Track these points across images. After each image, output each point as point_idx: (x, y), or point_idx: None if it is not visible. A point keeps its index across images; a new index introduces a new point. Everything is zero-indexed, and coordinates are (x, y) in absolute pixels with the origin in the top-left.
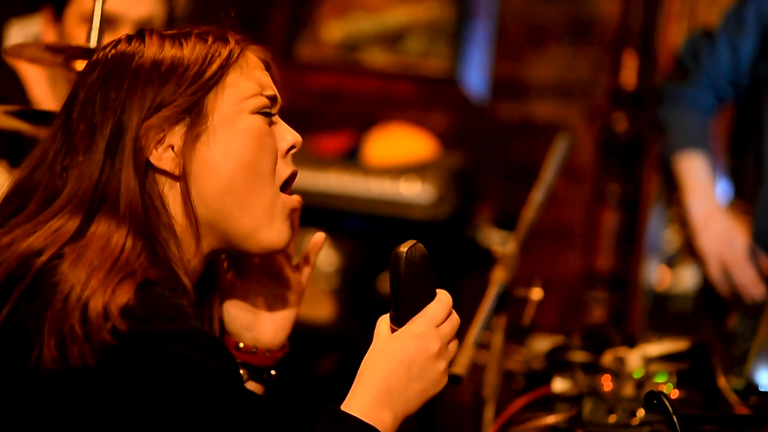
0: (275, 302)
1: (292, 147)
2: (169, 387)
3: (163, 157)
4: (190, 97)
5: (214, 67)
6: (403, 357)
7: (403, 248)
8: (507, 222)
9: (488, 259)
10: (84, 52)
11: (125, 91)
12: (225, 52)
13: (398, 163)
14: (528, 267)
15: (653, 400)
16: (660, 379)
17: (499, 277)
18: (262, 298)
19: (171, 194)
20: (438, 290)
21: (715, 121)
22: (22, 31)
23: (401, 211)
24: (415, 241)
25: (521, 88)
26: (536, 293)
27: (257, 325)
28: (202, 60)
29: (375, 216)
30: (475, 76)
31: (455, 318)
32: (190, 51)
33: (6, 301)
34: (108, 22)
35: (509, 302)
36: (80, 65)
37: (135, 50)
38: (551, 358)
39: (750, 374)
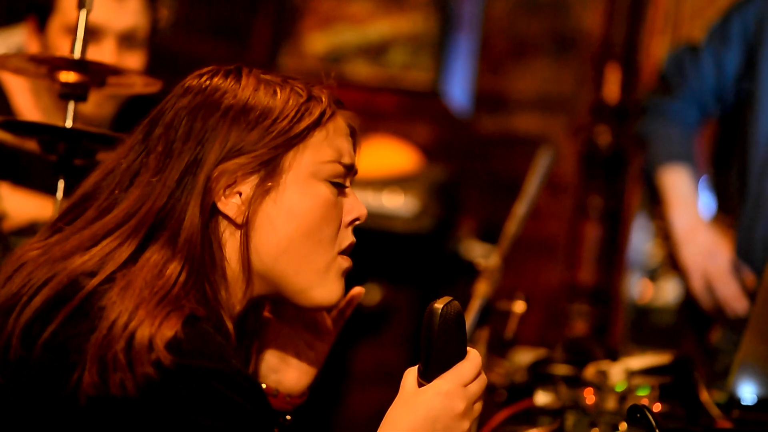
0: (304, 349)
1: (356, 220)
2: (203, 424)
3: (229, 203)
4: (271, 151)
5: (303, 125)
6: (428, 413)
7: (439, 304)
8: (489, 235)
9: (471, 271)
10: (68, 63)
11: (211, 126)
12: (316, 113)
13: (381, 175)
14: (510, 280)
15: (636, 413)
16: (642, 392)
17: (481, 290)
18: (292, 343)
19: (230, 240)
20: (469, 349)
21: (699, 136)
22: (4, 42)
23: (384, 223)
24: (450, 298)
25: (504, 101)
26: (519, 306)
27: (283, 369)
28: (292, 116)
29: (357, 228)
30: (458, 89)
31: (484, 379)
32: (283, 103)
33: (51, 320)
34: (92, 33)
35: (492, 315)
36: (64, 76)
37: (229, 87)
38: (533, 371)
39: (732, 388)
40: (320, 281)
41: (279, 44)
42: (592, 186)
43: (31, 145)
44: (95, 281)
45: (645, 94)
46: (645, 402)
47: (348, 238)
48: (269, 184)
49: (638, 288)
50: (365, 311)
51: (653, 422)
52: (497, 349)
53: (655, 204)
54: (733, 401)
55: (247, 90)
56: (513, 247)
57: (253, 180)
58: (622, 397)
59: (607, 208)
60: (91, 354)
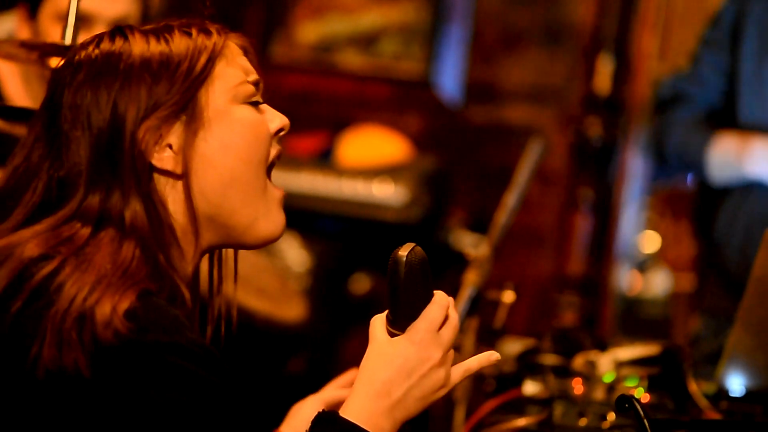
0: None
1: (281, 130)
2: (163, 398)
3: (163, 158)
4: (184, 94)
5: (203, 60)
6: (404, 364)
7: (403, 252)
8: (479, 225)
9: (461, 261)
10: (58, 50)
11: (117, 92)
12: (210, 44)
13: (371, 164)
14: (500, 270)
15: (624, 403)
16: (631, 383)
17: (471, 279)
18: None
19: (171, 194)
20: (435, 291)
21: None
22: None
23: (374, 212)
24: (414, 245)
25: (495, 91)
26: (508, 296)
27: None
28: (191, 54)
29: (347, 217)
30: (450, 80)
31: (454, 320)
32: (177, 46)
33: (9, 308)
34: (83, 20)
35: (481, 305)
36: (55, 62)
37: (121, 49)
38: (522, 361)
39: (721, 379)
40: (264, 211)
41: (270, 33)
42: (582, 177)
43: (20, 130)
44: (49, 266)
45: (649, 118)
46: (633, 392)
47: (276, 147)
48: (195, 126)
49: (627, 279)
50: (355, 300)
51: (641, 412)
52: (486, 339)
53: (649, 194)
54: (722, 393)
55: (138, 45)
56: (503, 238)
57: (178, 127)
58: (611, 387)
59: (596, 200)
60: (49, 332)
